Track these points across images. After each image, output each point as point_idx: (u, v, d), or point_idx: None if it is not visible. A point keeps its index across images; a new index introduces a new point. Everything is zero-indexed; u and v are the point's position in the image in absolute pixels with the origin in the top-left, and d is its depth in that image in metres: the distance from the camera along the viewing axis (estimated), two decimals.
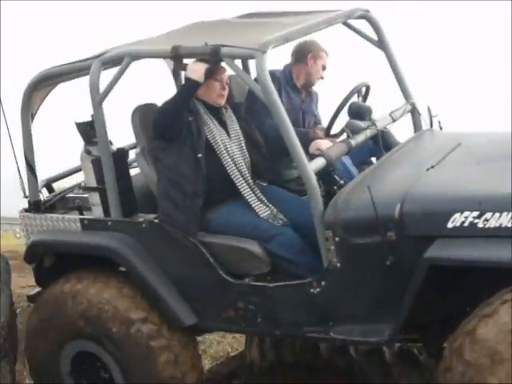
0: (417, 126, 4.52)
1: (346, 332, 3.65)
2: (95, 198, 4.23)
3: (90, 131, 4.19)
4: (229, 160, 3.95)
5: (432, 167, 3.74)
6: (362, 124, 4.06)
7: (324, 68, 4.85)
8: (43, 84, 4.26)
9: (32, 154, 4.37)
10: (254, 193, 3.95)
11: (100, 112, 3.97)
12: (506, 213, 3.23)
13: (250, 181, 3.98)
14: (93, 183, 4.22)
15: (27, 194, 4.54)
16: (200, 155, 3.86)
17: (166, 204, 3.89)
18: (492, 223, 3.25)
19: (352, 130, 4.02)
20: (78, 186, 4.68)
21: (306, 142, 3.95)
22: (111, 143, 4.15)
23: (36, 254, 4.34)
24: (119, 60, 3.94)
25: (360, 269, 3.56)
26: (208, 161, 3.92)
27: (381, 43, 4.47)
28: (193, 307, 3.98)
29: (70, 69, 4.14)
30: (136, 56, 3.91)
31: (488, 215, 3.26)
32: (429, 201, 3.45)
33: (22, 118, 4.31)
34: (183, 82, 3.92)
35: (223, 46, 3.66)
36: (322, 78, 4.86)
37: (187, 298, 3.98)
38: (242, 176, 3.96)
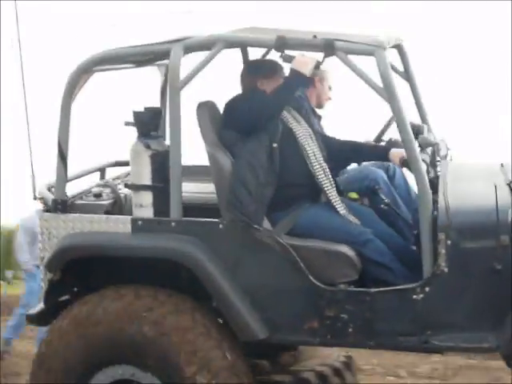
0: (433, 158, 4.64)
1: (449, 340, 3.55)
2: (145, 197, 3.80)
3: (149, 123, 3.80)
4: (312, 154, 3.81)
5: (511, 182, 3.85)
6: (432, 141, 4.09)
7: (330, 88, 4.86)
8: (99, 67, 3.80)
9: (67, 143, 3.82)
10: (333, 189, 3.83)
11: (178, 100, 3.62)
12: None
13: (331, 177, 3.86)
14: (146, 181, 3.80)
15: (37, 194, 3.96)
16: (275, 145, 3.69)
17: (240, 190, 3.60)
18: None
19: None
20: (88, 191, 4.16)
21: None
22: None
23: (65, 260, 3.74)
24: (205, 46, 3.65)
25: (468, 274, 3.52)
26: (289, 153, 3.77)
27: (407, 75, 4.57)
28: (266, 319, 3.65)
29: (139, 51, 3.75)
30: (231, 43, 3.66)
31: None
32: None
33: (64, 101, 3.78)
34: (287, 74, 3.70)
35: (337, 39, 3.55)
36: (330, 98, 4.86)
37: (261, 309, 3.65)
38: (324, 171, 3.82)
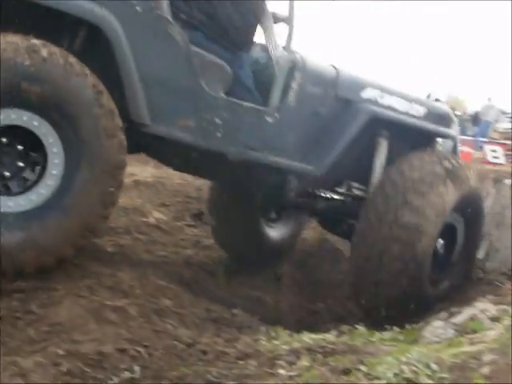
0: None
1: (285, 161, 4.35)
2: None
3: None
4: None
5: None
6: None
7: None
8: None
9: None
10: None
11: None
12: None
13: None
14: None
15: None
16: None
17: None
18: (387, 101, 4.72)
19: None
20: None
21: None
22: None
23: None
24: None
25: (304, 111, 4.40)
26: None
27: None
28: (152, 108, 3.86)
29: None
30: None
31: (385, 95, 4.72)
32: (349, 74, 4.67)
33: None
34: None
35: None
36: None
37: (150, 97, 3.84)
38: None
